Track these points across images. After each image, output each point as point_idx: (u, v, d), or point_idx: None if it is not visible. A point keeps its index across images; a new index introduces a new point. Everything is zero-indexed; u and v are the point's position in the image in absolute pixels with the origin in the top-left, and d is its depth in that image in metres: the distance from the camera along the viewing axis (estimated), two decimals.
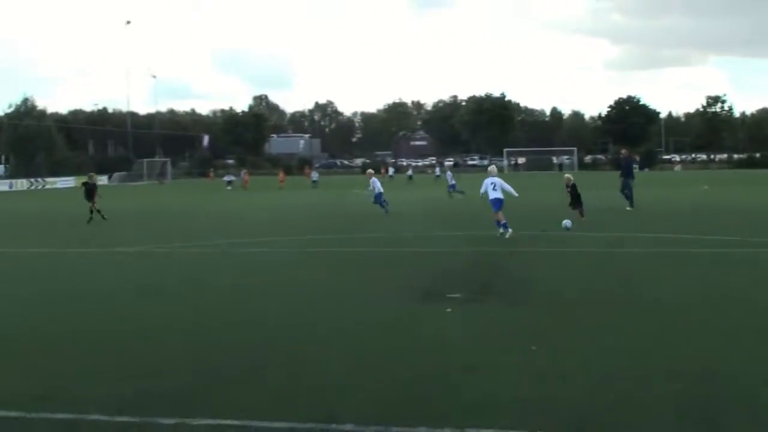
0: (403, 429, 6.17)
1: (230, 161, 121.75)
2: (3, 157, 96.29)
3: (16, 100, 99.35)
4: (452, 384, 7.40)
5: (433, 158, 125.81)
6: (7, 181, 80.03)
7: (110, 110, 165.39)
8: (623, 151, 35.01)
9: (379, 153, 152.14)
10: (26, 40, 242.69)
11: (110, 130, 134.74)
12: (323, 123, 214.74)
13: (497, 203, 20.36)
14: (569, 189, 25.10)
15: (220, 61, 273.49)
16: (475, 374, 7.68)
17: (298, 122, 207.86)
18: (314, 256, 18.11)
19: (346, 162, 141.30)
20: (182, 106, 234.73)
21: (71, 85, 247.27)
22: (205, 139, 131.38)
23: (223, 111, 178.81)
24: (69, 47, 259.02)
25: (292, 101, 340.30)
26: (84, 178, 29.71)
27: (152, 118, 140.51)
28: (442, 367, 7.96)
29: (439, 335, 9.43)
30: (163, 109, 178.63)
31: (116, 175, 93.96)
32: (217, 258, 18.06)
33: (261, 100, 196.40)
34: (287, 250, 19.40)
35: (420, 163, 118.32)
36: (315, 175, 68.87)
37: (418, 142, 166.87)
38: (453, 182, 42.45)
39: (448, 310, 10.90)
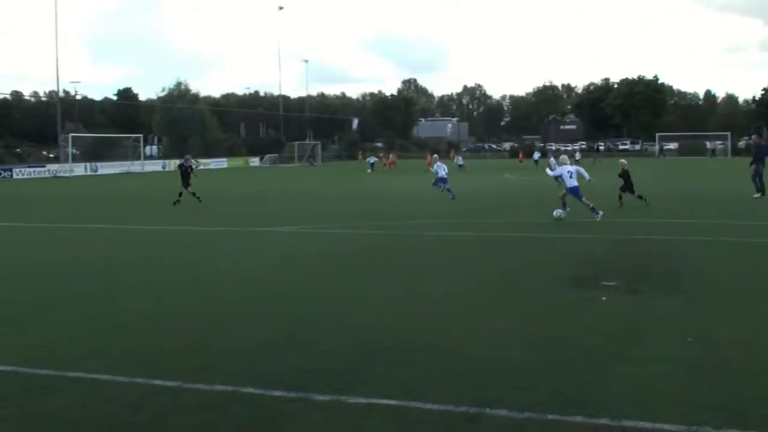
0: (559, 417, 6.00)
1: (378, 144, 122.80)
2: (156, 139, 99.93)
3: (170, 84, 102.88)
4: (607, 374, 7.18)
5: (583, 143, 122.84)
6: (161, 161, 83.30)
7: (262, 94, 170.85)
8: (754, 136, 33.69)
9: (527, 137, 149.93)
10: (181, 26, 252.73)
11: (262, 113, 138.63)
12: (471, 106, 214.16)
13: (577, 190, 21.17)
14: (622, 174, 24.87)
15: (369, 44, 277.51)
16: (630, 365, 7.43)
17: (447, 106, 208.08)
18: (465, 241, 18.02)
19: (494, 146, 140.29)
20: (332, 90, 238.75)
21: (224, 69, 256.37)
22: (354, 122, 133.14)
23: (372, 94, 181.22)
24: (223, 33, 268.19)
25: (441, 85, 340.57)
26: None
27: (303, 102, 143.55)
28: (598, 357, 7.75)
29: (594, 324, 9.17)
30: (314, 92, 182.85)
31: (267, 157, 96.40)
32: (362, 239, 18.24)
33: (410, 84, 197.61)
34: (438, 233, 19.31)
35: (569, 148, 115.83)
36: (459, 159, 68.30)
37: (567, 126, 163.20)
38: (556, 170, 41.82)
39: (604, 298, 10.63)
